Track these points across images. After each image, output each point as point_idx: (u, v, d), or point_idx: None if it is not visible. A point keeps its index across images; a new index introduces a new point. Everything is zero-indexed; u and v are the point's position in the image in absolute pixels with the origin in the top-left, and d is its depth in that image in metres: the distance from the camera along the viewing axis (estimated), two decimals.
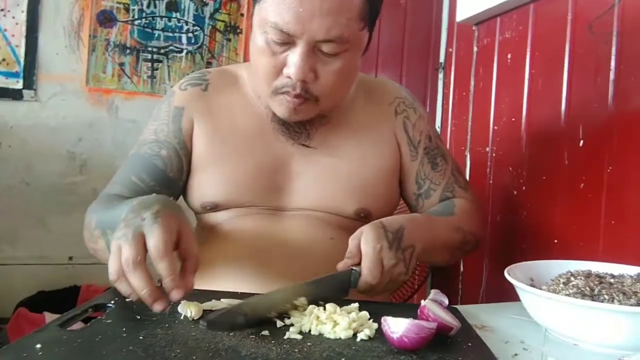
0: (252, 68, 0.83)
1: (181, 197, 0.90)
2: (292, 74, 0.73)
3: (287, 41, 0.73)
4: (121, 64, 2.15)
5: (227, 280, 0.78)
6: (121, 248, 0.56)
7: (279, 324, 0.58)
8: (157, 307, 0.55)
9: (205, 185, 0.85)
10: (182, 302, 0.60)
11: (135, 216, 0.58)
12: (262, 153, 0.84)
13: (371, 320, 0.59)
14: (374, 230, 0.71)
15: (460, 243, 0.86)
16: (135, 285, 0.55)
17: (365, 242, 0.70)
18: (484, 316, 0.72)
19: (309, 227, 0.83)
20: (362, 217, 0.86)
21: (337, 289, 0.68)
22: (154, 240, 0.56)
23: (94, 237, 0.75)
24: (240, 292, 0.69)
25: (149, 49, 2.20)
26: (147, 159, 0.84)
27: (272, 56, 0.74)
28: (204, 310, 0.62)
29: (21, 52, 2.00)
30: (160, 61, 2.22)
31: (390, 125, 0.90)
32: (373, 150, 0.88)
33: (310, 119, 0.82)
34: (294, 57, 0.73)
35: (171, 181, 0.84)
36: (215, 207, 0.85)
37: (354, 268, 0.69)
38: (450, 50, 1.51)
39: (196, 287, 0.66)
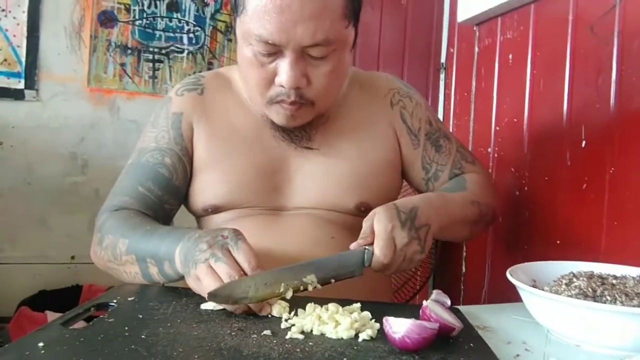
0: (242, 78, 0.83)
1: None
2: (285, 83, 0.73)
3: (274, 51, 0.72)
4: (122, 64, 2.16)
5: None
6: (214, 267, 0.61)
7: (284, 324, 0.58)
8: (263, 312, 0.61)
9: (206, 188, 0.85)
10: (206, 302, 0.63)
11: (215, 236, 0.63)
12: (260, 154, 0.85)
13: (373, 320, 0.59)
14: (386, 211, 0.71)
15: (478, 216, 0.86)
16: None
17: (378, 221, 0.70)
18: (486, 317, 0.72)
19: (309, 227, 0.83)
20: (363, 212, 0.86)
21: (350, 267, 0.68)
22: (244, 254, 0.61)
23: (120, 260, 0.75)
24: None
25: (150, 49, 2.20)
26: (151, 168, 0.83)
27: (261, 67, 0.74)
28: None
29: (22, 52, 2.00)
30: (162, 61, 2.22)
31: (387, 118, 0.90)
32: (371, 145, 0.88)
33: (309, 121, 0.83)
34: (284, 66, 0.73)
35: (177, 189, 0.85)
36: (216, 210, 0.85)
37: (367, 247, 0.69)
38: (452, 50, 1.51)
39: None
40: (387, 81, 0.95)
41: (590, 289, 0.63)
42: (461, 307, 0.73)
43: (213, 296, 0.58)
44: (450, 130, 1.48)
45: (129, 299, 0.66)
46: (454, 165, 0.93)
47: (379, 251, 0.69)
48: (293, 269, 0.63)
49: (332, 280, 0.65)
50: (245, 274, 0.61)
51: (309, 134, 0.85)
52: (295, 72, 0.72)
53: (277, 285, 0.61)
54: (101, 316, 0.59)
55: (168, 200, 0.84)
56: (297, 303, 0.63)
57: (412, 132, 0.91)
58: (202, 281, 0.61)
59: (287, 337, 0.55)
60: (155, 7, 2.21)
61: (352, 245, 0.70)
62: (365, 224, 0.72)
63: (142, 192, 0.82)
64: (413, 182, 0.95)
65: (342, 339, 0.55)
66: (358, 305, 0.63)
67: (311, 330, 0.57)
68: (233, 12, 0.76)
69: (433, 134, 0.93)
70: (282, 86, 0.74)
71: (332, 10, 0.71)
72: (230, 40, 2.33)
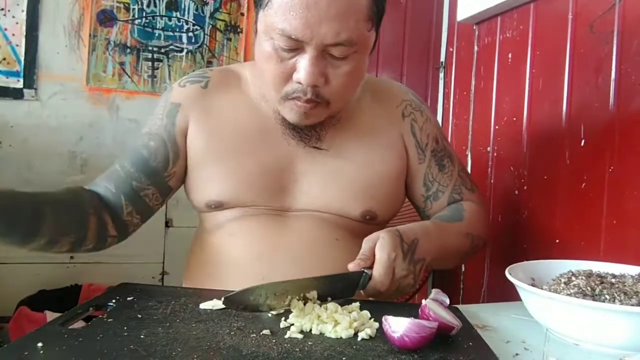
0: (258, 72, 0.82)
1: (185, 196, 0.90)
2: (303, 80, 0.72)
3: (296, 47, 0.72)
4: (122, 64, 2.15)
5: (230, 280, 0.78)
6: None
7: (282, 324, 0.58)
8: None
9: (209, 183, 0.84)
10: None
11: None
12: (266, 153, 0.84)
13: (372, 319, 0.60)
14: (391, 238, 0.71)
15: (470, 248, 0.87)
16: None
17: (381, 248, 0.70)
18: (485, 316, 0.72)
19: (313, 228, 0.83)
20: (368, 219, 0.86)
21: (346, 289, 0.68)
22: None
23: None
24: None
25: (150, 48, 2.20)
26: (135, 149, 0.85)
27: (281, 62, 0.73)
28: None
29: (21, 51, 2.00)
30: (161, 60, 2.22)
31: (397, 128, 0.90)
32: (380, 153, 0.87)
33: (320, 121, 0.82)
34: (304, 63, 0.72)
35: (152, 170, 0.84)
36: (220, 206, 0.84)
37: (365, 270, 0.69)
38: (451, 49, 1.51)
39: (199, 286, 0.67)
40: (400, 92, 0.94)
41: (589, 288, 0.63)
42: (460, 306, 0.73)
43: (228, 301, 0.59)
44: (450, 129, 1.48)
45: (128, 298, 0.66)
46: (454, 190, 0.92)
47: (378, 278, 0.69)
48: (300, 283, 0.64)
49: (329, 299, 0.65)
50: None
51: (318, 133, 0.84)
52: (314, 70, 0.72)
53: (284, 296, 0.62)
54: (100, 316, 0.59)
55: (139, 177, 0.83)
56: None
57: (419, 146, 0.90)
58: None
59: (286, 336, 0.55)
60: (155, 6, 2.20)
61: (351, 266, 0.70)
62: (366, 244, 0.72)
63: (114, 168, 0.85)
64: (412, 197, 0.94)
65: (341, 338, 0.55)
66: (357, 304, 0.63)
67: (310, 330, 0.57)
68: (256, 6, 0.76)
69: (438, 152, 0.92)
70: (300, 83, 0.73)
71: (358, 11, 0.70)
72: (229, 39, 2.33)
